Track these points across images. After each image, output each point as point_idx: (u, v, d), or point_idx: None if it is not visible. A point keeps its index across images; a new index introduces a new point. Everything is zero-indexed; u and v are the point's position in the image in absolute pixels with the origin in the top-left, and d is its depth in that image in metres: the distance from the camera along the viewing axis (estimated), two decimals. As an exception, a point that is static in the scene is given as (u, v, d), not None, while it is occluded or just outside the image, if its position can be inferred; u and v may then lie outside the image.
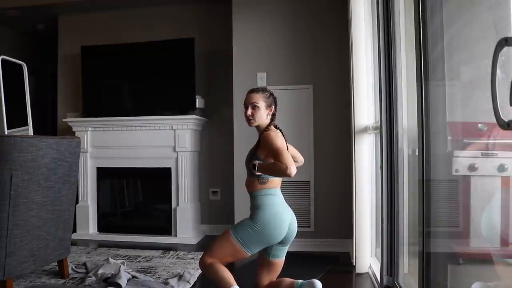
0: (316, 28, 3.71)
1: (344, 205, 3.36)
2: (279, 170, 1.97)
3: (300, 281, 2.14)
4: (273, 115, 2.25)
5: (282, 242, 2.19)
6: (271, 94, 2.25)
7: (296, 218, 3.60)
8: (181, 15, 4.41)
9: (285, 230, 2.14)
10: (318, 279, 2.10)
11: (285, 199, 2.29)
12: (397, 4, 2.30)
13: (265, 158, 2.12)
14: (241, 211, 3.44)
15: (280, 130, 2.23)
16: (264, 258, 2.26)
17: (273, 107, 2.23)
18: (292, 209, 3.16)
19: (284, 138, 2.21)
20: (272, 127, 2.22)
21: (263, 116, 2.20)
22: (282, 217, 2.13)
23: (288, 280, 2.20)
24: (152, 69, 4.21)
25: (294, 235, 2.21)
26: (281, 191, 2.25)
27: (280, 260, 2.25)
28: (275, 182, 2.19)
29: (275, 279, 2.27)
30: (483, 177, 1.46)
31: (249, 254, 2.15)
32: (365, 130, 2.96)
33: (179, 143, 4.05)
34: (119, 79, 4.37)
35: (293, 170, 1.94)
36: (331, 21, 3.68)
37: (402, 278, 2.32)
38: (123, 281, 2.57)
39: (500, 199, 1.40)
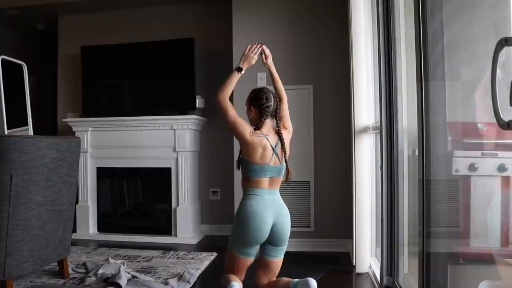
0: (316, 28, 3.71)
1: (344, 205, 3.36)
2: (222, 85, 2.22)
3: (296, 280, 2.14)
4: (259, 115, 2.23)
5: (271, 243, 2.20)
6: (252, 94, 2.27)
7: (296, 218, 3.60)
8: (181, 15, 4.41)
9: (265, 230, 2.15)
10: (318, 279, 2.11)
11: (285, 199, 2.29)
12: (397, 4, 2.30)
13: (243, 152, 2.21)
14: (241, 211, 3.44)
15: (267, 138, 2.21)
16: (260, 258, 2.27)
17: (253, 108, 2.25)
18: (292, 209, 3.14)
19: (267, 141, 2.20)
20: (256, 130, 2.24)
21: (247, 115, 2.29)
22: (258, 217, 2.13)
23: (285, 279, 2.21)
24: (152, 69, 4.21)
25: (284, 236, 2.20)
26: (281, 190, 2.26)
27: (274, 260, 2.24)
28: (260, 182, 2.20)
29: (274, 279, 2.27)
30: (483, 177, 1.46)
31: (244, 257, 2.19)
32: (365, 130, 2.96)
33: (179, 143, 4.05)
34: (119, 79, 4.37)
35: (218, 96, 2.20)
36: (331, 21, 3.68)
37: (402, 278, 2.32)
38: (123, 281, 2.57)
39: (500, 199, 1.40)
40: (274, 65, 2.41)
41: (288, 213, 2.26)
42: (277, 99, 2.31)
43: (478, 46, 1.43)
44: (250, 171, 2.20)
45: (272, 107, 2.24)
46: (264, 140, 2.19)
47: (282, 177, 2.28)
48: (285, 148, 2.23)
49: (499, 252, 1.40)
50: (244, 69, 2.26)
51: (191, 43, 4.08)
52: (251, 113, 2.26)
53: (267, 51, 2.36)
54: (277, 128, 2.26)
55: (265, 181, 2.21)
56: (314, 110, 3.68)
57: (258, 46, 2.31)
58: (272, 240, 2.19)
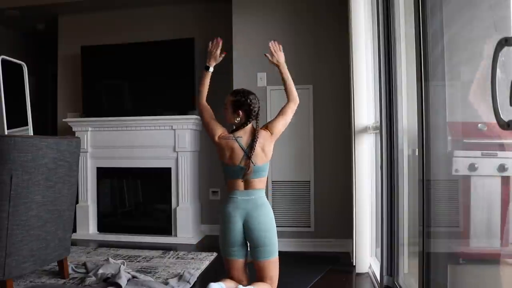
0: (316, 28, 3.71)
1: (344, 205, 3.36)
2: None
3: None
4: (246, 119, 2.25)
5: (250, 244, 2.21)
6: (238, 98, 2.27)
7: (296, 218, 3.59)
8: (181, 15, 4.41)
9: (236, 230, 2.17)
10: (318, 279, 2.10)
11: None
12: (397, 4, 2.30)
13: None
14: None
15: (237, 139, 2.23)
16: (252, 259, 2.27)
17: (241, 112, 2.25)
18: (292, 209, 3.14)
19: (239, 144, 2.23)
20: (230, 133, 2.28)
21: (230, 118, 2.29)
22: (228, 218, 2.19)
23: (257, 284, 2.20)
24: (152, 69, 4.21)
25: (257, 235, 2.17)
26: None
27: (259, 261, 2.21)
28: (235, 184, 2.23)
29: (261, 280, 2.23)
30: (483, 177, 1.46)
31: (228, 258, 2.23)
32: (365, 130, 2.96)
33: (179, 143, 4.05)
34: (119, 79, 4.37)
35: (197, 100, 2.38)
36: (331, 21, 3.68)
37: (402, 278, 2.32)
38: (123, 281, 2.57)
39: (500, 199, 1.40)
40: (275, 67, 2.38)
41: (265, 213, 2.20)
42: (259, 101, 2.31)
43: (478, 46, 1.43)
44: (225, 172, 2.26)
45: (257, 110, 2.25)
46: (233, 141, 2.22)
47: (262, 178, 2.25)
48: (253, 148, 2.19)
49: (499, 252, 1.40)
50: (211, 67, 2.32)
51: (191, 43, 4.08)
52: (237, 117, 2.24)
53: (272, 47, 2.32)
54: (254, 129, 2.25)
55: (239, 182, 2.22)
56: (314, 110, 3.68)
57: (218, 40, 2.31)
58: (249, 241, 2.20)
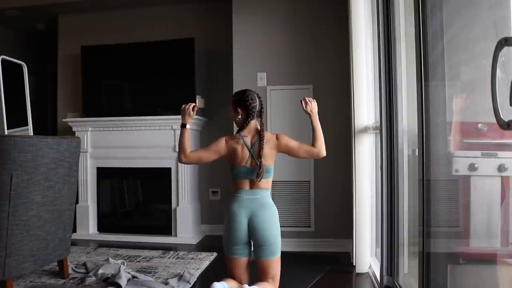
0: (316, 28, 3.71)
1: (344, 205, 3.36)
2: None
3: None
4: (246, 116, 2.24)
5: (254, 242, 2.20)
6: (237, 97, 2.27)
7: (296, 218, 3.59)
8: (181, 15, 4.41)
9: (240, 228, 2.17)
10: (318, 279, 2.10)
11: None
12: (397, 4, 2.30)
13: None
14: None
15: (243, 138, 2.22)
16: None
17: (240, 110, 2.24)
18: (292, 209, 3.13)
19: (248, 145, 2.21)
20: (236, 133, 2.28)
21: (232, 118, 2.30)
22: (233, 216, 2.18)
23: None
24: (152, 69, 4.21)
25: (260, 234, 2.16)
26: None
27: (261, 260, 2.20)
28: (240, 183, 2.22)
29: (263, 279, 2.22)
30: (483, 177, 1.46)
31: (231, 256, 2.22)
32: (365, 130, 2.96)
33: (179, 143, 4.05)
34: (119, 79, 4.37)
35: (181, 160, 2.24)
36: (331, 21, 3.68)
37: (402, 278, 2.32)
38: (123, 281, 2.57)
39: (500, 199, 1.40)
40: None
41: (269, 213, 2.19)
42: (261, 101, 2.30)
43: (478, 46, 1.43)
44: (232, 173, 2.26)
45: (257, 107, 2.25)
46: (240, 140, 2.22)
47: (268, 178, 2.24)
48: (262, 146, 2.18)
49: (499, 252, 1.40)
50: (188, 124, 2.27)
51: (191, 43, 4.08)
52: (237, 115, 2.25)
53: (307, 98, 2.34)
54: (259, 128, 2.25)
55: (244, 182, 2.22)
56: (314, 110, 3.67)
57: (192, 104, 2.30)
58: (253, 239, 2.20)
